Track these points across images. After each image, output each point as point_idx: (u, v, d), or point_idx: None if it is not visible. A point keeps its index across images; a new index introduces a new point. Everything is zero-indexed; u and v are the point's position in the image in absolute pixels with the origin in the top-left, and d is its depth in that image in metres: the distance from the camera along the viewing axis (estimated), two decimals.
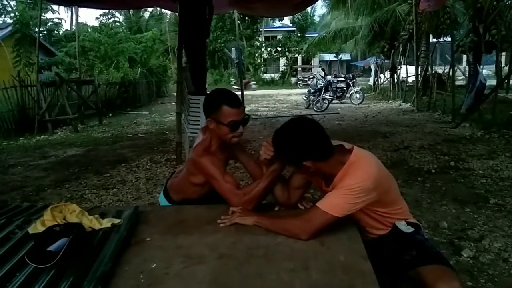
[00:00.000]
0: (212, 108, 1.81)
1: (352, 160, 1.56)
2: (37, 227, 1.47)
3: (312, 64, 34.26)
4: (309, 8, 30.61)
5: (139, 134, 8.57)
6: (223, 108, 1.77)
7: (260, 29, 29.33)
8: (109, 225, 1.56)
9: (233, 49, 16.50)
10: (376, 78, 18.72)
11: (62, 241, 1.31)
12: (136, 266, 1.29)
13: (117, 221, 1.59)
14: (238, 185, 1.80)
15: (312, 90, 13.33)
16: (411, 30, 12.72)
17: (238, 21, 18.34)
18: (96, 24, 24.85)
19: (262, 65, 31.11)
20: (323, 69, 16.85)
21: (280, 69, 31.89)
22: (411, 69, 13.34)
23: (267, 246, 1.42)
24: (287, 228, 1.52)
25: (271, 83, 29.01)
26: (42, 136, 8.66)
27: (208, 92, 1.96)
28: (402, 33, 14.37)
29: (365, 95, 14.69)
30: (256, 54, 29.59)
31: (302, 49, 27.83)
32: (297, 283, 1.18)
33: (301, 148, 1.51)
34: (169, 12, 22.79)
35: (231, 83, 24.71)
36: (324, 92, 12.83)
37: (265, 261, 1.31)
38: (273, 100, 17.02)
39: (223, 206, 1.80)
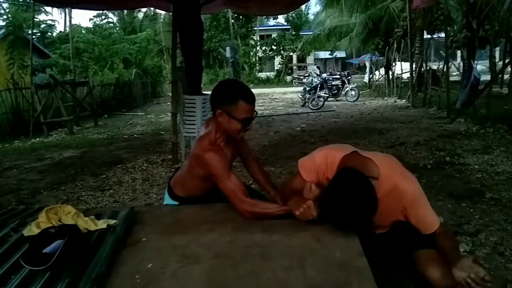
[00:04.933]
0: (226, 100, 1.70)
1: (386, 175, 1.53)
2: (32, 229, 1.46)
3: (307, 62, 34.23)
4: (303, 6, 30.67)
5: (135, 135, 8.54)
6: (239, 103, 1.67)
7: (255, 28, 29.30)
8: (104, 226, 1.55)
9: (227, 48, 16.46)
10: (371, 75, 18.75)
11: (58, 243, 1.30)
12: (132, 267, 1.29)
13: (112, 222, 1.58)
14: (246, 189, 1.72)
15: (307, 88, 13.33)
16: (405, 27, 12.73)
17: (233, 20, 18.36)
18: (90, 25, 24.77)
19: (257, 64, 31.10)
20: (318, 67, 16.86)
21: (275, 68, 31.88)
22: (406, 65, 13.36)
23: (262, 245, 1.41)
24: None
25: (267, 82, 28.99)
26: (37, 139, 8.62)
27: (218, 83, 1.84)
28: (396, 30, 14.38)
29: (361, 92, 14.72)
30: (251, 53, 29.58)
31: (297, 47, 27.81)
32: (293, 280, 1.18)
33: (373, 211, 1.43)
34: (163, 12, 22.72)
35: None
36: (320, 90, 12.84)
37: (261, 260, 1.31)
38: (269, 98, 17.00)
39: (219, 205, 1.80)
